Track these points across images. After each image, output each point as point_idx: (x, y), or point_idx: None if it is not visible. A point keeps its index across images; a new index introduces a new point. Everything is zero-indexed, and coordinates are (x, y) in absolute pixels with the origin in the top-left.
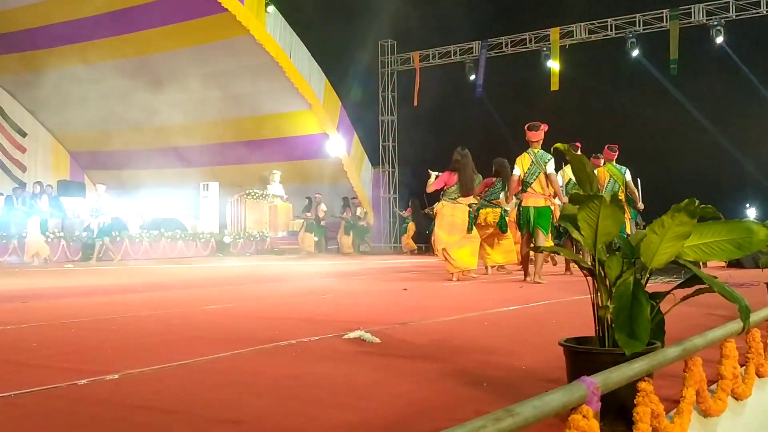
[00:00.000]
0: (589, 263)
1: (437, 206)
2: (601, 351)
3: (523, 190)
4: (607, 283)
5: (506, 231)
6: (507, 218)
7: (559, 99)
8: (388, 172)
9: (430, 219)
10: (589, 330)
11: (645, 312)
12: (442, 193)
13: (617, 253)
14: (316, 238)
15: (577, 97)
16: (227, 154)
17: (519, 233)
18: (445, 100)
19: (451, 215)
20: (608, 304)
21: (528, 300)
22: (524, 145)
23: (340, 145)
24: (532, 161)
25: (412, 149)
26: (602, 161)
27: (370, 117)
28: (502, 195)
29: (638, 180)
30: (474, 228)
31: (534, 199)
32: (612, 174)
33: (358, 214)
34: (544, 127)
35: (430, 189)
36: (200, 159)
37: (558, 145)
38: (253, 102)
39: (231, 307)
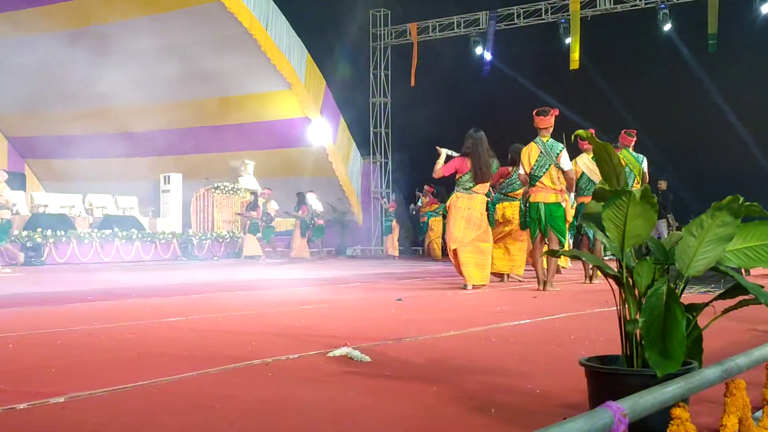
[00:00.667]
0: (615, 269)
1: (450, 199)
2: (629, 372)
3: (531, 184)
4: (636, 292)
5: (526, 228)
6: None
7: (579, 79)
8: (381, 163)
9: (416, 219)
10: (614, 347)
11: (680, 327)
12: (455, 183)
13: (648, 258)
14: (264, 241)
15: (600, 77)
16: (192, 141)
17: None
18: (447, 79)
19: (467, 207)
20: (637, 317)
21: (543, 312)
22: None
23: (324, 132)
24: (541, 152)
25: (408, 137)
26: (619, 148)
27: (359, 99)
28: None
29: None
30: (490, 237)
31: (544, 194)
32: (627, 162)
33: (314, 209)
34: (554, 113)
35: (437, 174)
36: (160, 146)
37: (579, 132)
38: (223, 80)
39: (196, 319)
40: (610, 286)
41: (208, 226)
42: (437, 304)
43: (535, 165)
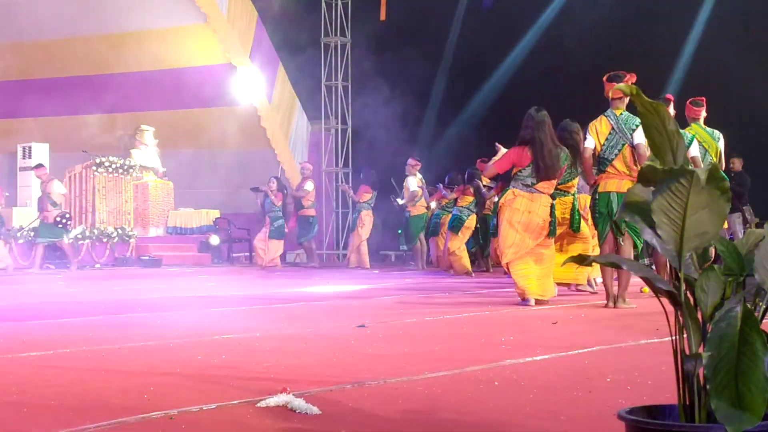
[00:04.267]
0: (670, 283)
1: (505, 196)
2: (689, 428)
3: (600, 170)
4: (700, 316)
5: (579, 231)
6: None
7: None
8: (336, 131)
9: (397, 212)
10: (667, 394)
11: (760, 365)
12: (512, 178)
13: (717, 266)
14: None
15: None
16: (63, 97)
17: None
18: (431, 12)
19: (526, 210)
20: (701, 350)
21: (566, 344)
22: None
23: (255, 85)
24: (613, 128)
25: (376, 94)
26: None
27: (306, 39)
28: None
29: None
30: (551, 242)
31: (616, 182)
32: (701, 140)
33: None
34: (631, 78)
35: (489, 173)
36: (16, 104)
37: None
38: (108, 10)
39: (68, 354)
40: (663, 306)
41: (87, 219)
42: (415, 332)
43: (605, 144)
